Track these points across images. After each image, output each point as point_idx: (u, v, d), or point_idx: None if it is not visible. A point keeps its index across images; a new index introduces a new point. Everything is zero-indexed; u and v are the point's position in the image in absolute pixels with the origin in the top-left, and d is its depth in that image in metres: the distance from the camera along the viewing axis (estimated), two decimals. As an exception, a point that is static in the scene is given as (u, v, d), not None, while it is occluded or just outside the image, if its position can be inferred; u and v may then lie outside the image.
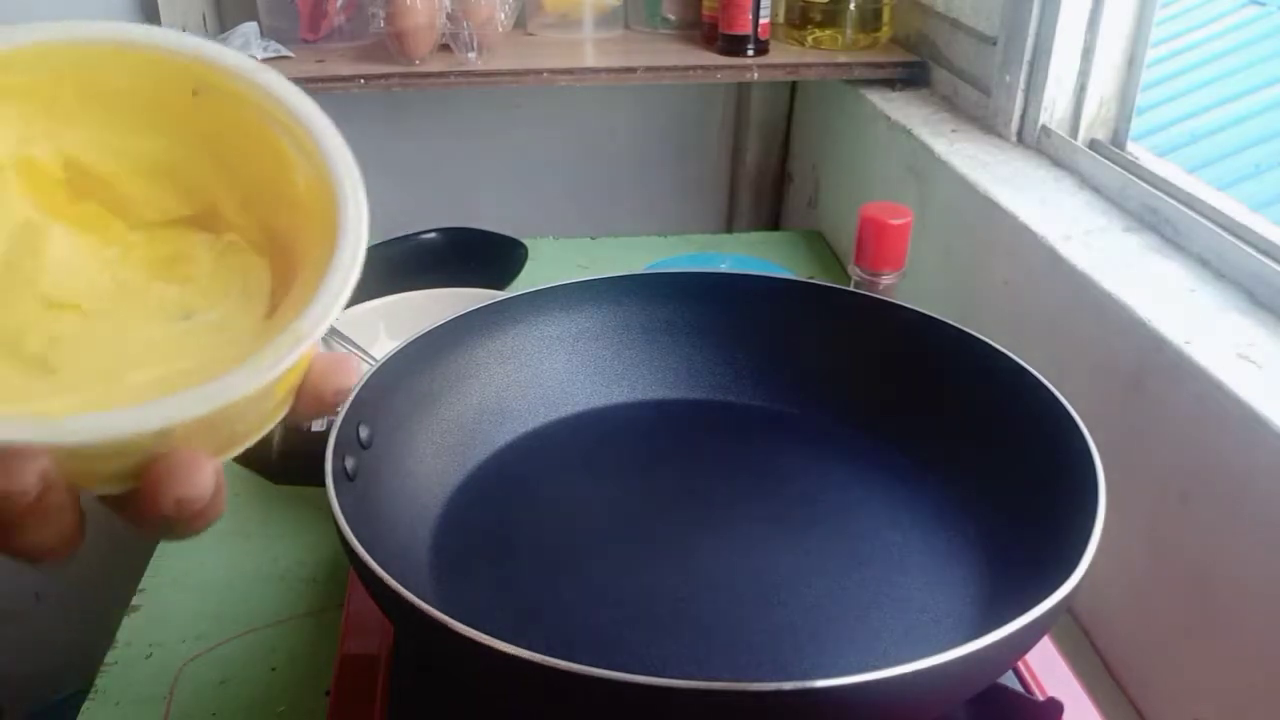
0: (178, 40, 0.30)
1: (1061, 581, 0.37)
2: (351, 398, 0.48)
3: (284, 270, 0.30)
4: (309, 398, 0.29)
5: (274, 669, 0.58)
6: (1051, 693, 0.46)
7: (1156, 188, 0.71)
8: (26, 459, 0.24)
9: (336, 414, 0.46)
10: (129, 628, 0.62)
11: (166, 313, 0.29)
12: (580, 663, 0.33)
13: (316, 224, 0.30)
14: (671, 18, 1.12)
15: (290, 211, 0.31)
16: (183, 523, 0.27)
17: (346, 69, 0.97)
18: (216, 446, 0.28)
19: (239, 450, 0.29)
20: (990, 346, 0.53)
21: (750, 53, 1.03)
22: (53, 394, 0.26)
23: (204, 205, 0.31)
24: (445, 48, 1.00)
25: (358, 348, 0.80)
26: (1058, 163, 0.81)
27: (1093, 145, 0.82)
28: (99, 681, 0.58)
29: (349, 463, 0.45)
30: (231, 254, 0.31)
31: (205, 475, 0.26)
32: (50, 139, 0.29)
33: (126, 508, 0.27)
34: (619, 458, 0.56)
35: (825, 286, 0.61)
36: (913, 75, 1.03)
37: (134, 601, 0.64)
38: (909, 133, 0.90)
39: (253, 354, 0.27)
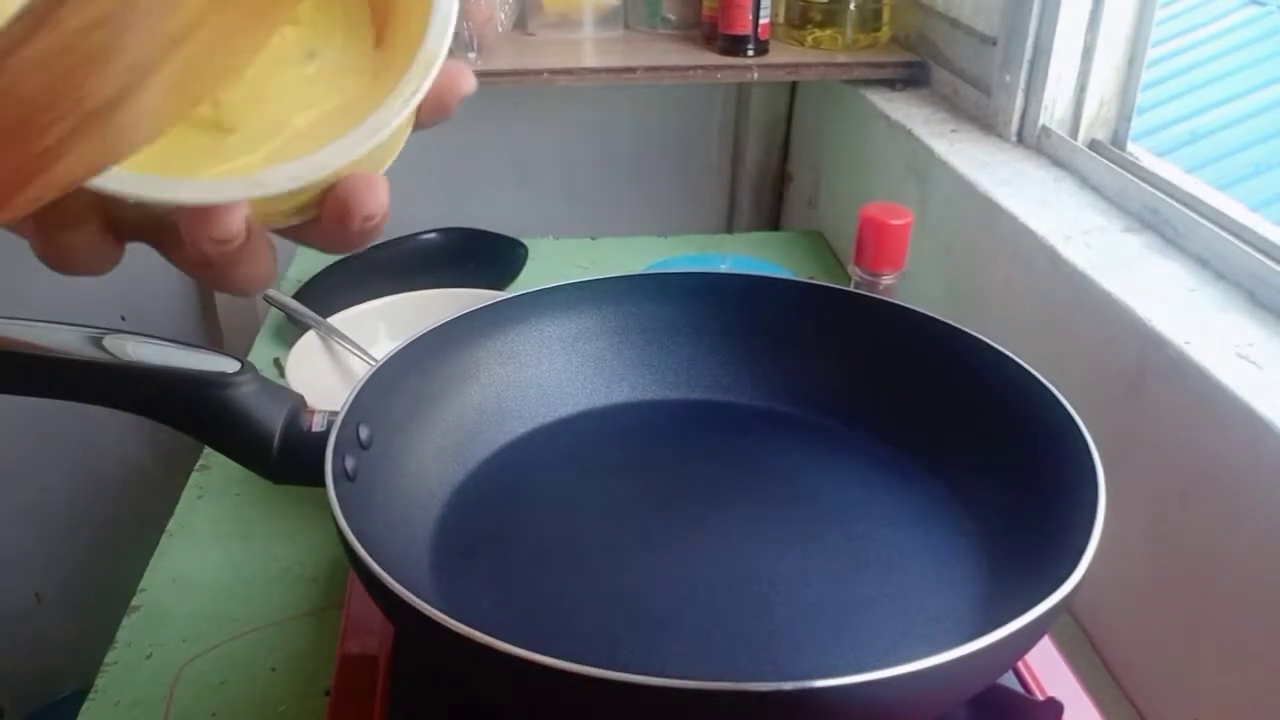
0: None
1: (1061, 581, 0.37)
2: (352, 398, 0.48)
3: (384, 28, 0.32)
4: (431, 107, 0.33)
5: (274, 669, 0.58)
6: (1051, 693, 0.46)
7: (1156, 188, 0.71)
8: (234, 211, 0.28)
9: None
10: (129, 628, 0.62)
11: (294, 58, 0.31)
12: (580, 663, 0.33)
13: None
14: (671, 18, 1.12)
15: None
16: (363, 235, 0.31)
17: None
18: (371, 167, 0.31)
19: (385, 167, 0.33)
20: (990, 346, 0.53)
21: (750, 53, 1.03)
22: (240, 152, 0.29)
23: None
24: (445, 48, 1.00)
25: (358, 348, 0.80)
26: (1058, 163, 0.81)
27: (1093, 145, 0.82)
28: (99, 681, 0.58)
29: (349, 463, 0.45)
30: (345, 53, 0.32)
31: (383, 190, 0.31)
32: None
33: (311, 234, 0.32)
34: (619, 458, 0.56)
35: (825, 286, 0.61)
36: (913, 75, 1.03)
37: (134, 601, 0.64)
38: (909, 133, 0.90)
39: (395, 84, 0.30)
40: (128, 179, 0.27)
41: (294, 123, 0.30)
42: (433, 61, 0.30)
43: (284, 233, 0.32)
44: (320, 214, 0.31)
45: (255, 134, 0.30)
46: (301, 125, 0.30)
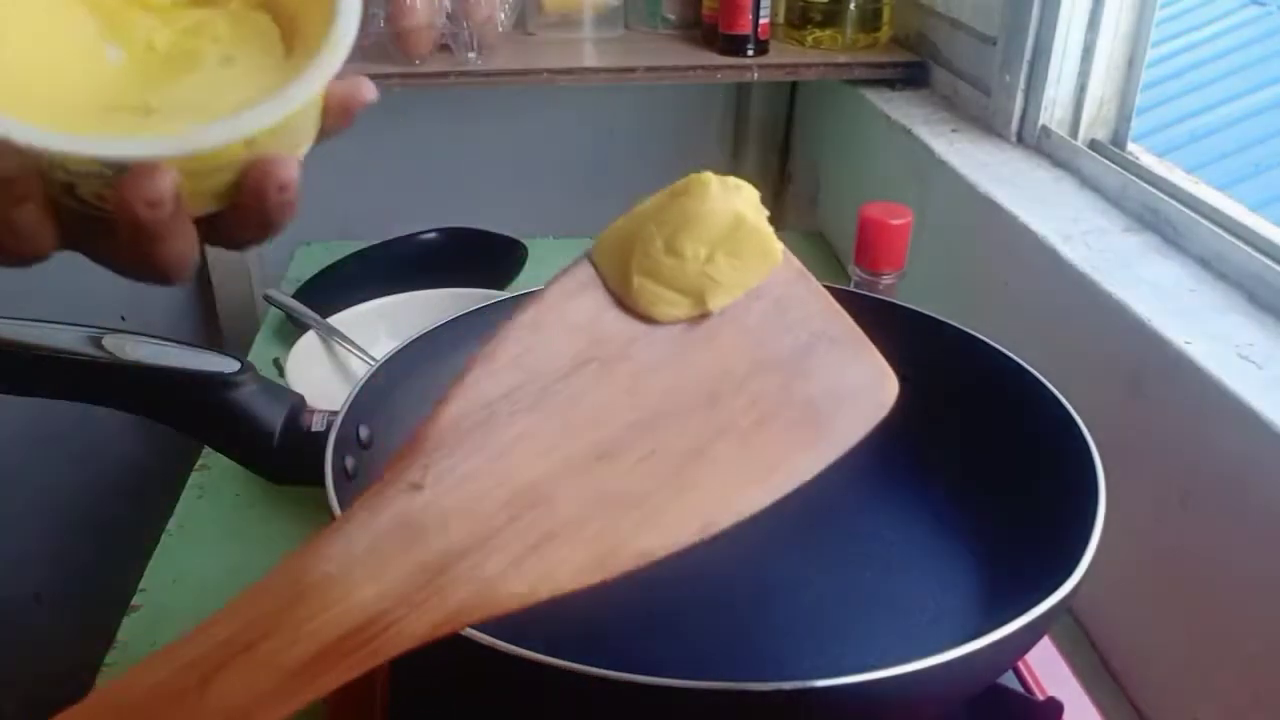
0: None
1: (1061, 581, 0.37)
2: (352, 398, 0.48)
3: (284, 22, 0.37)
4: (336, 111, 0.37)
5: (274, 669, 0.58)
6: (1051, 693, 0.46)
7: (1157, 188, 0.71)
8: (165, 175, 0.31)
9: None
10: (129, 628, 0.62)
11: (214, 63, 0.36)
12: (580, 663, 0.33)
13: None
14: (671, 18, 1.12)
15: None
16: (280, 209, 0.34)
17: (346, 69, 0.97)
18: (287, 149, 0.35)
19: (299, 153, 0.36)
20: (990, 346, 0.53)
21: (750, 53, 1.03)
22: (164, 123, 0.33)
23: None
24: (445, 48, 1.00)
25: (358, 348, 0.80)
26: (1058, 163, 0.81)
27: (1093, 145, 0.82)
28: (99, 681, 0.58)
29: (349, 462, 0.45)
30: (240, 16, 0.37)
31: (294, 164, 0.34)
32: None
33: (229, 219, 0.35)
34: (619, 458, 0.56)
35: (825, 286, 0.61)
36: (913, 75, 1.03)
37: (134, 601, 0.64)
38: (909, 133, 0.90)
39: (307, 68, 0.34)
40: (73, 139, 0.30)
41: (216, 106, 0.33)
42: (341, 47, 0.34)
43: (211, 239, 0.36)
44: (239, 197, 0.34)
45: (178, 111, 0.34)
46: (224, 107, 0.33)
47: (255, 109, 0.32)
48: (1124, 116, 0.82)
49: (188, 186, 0.32)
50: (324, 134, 0.37)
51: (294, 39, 0.36)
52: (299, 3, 0.37)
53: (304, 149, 0.37)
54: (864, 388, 0.33)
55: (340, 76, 0.36)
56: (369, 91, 0.37)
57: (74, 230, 0.34)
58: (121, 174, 0.31)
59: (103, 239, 0.35)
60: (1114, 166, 0.75)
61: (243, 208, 0.34)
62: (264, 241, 0.37)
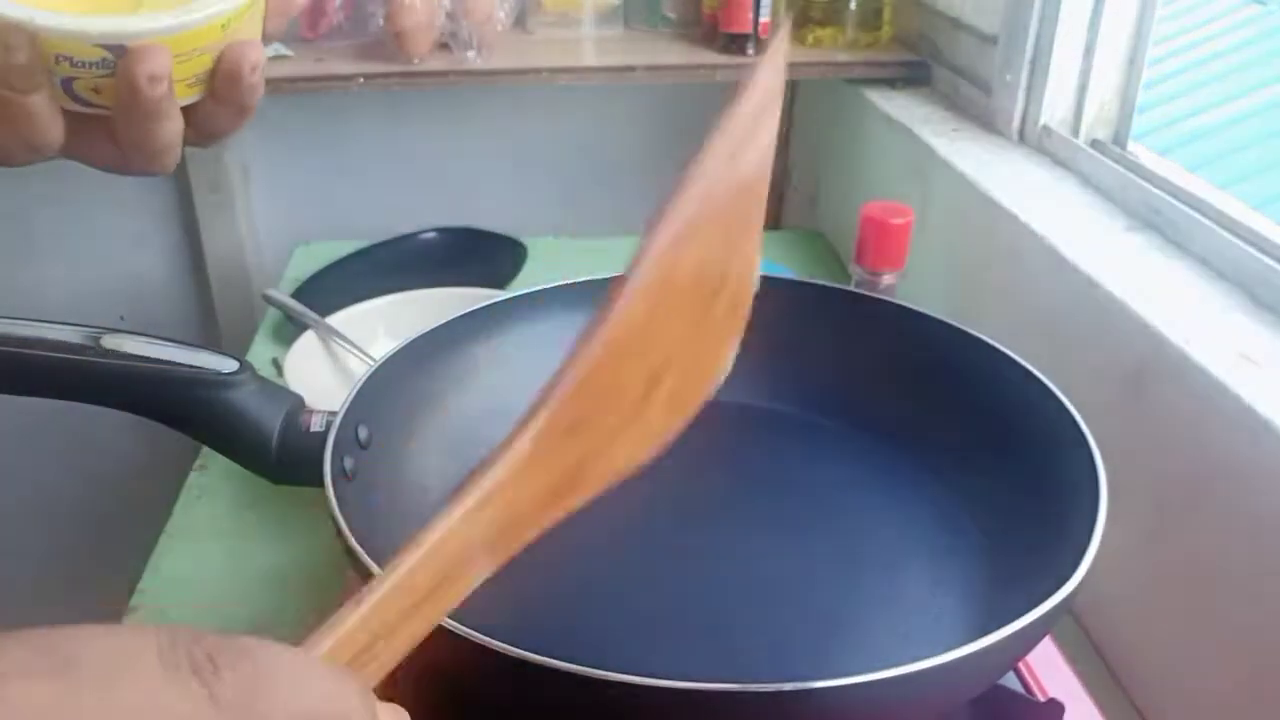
0: None
1: (1062, 582, 0.37)
2: (351, 398, 0.47)
3: None
4: (274, 12, 0.42)
5: (273, 669, 0.58)
6: (1053, 694, 0.46)
7: (1157, 187, 0.70)
8: (160, 49, 0.37)
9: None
10: (128, 628, 0.61)
11: None
12: (580, 663, 0.33)
13: None
14: (671, 16, 1.12)
15: None
16: (252, 90, 0.40)
17: (346, 68, 0.97)
18: (249, 35, 0.41)
19: (258, 38, 0.42)
20: (991, 346, 0.53)
21: (750, 52, 1.02)
22: (153, 12, 0.38)
23: None
24: (445, 47, 1.00)
25: (357, 348, 0.80)
26: (1059, 162, 0.81)
27: (1094, 145, 0.81)
28: (98, 682, 0.58)
29: (349, 463, 0.45)
30: None
31: (260, 47, 0.40)
32: None
33: (204, 109, 0.41)
34: (619, 458, 0.56)
35: (825, 286, 0.61)
36: (913, 74, 1.02)
37: (134, 601, 0.63)
38: (910, 132, 0.90)
39: None
40: (87, 19, 0.36)
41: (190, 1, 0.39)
42: None
43: (194, 134, 0.41)
44: (216, 82, 0.40)
45: (163, 6, 0.39)
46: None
47: None
48: (1125, 116, 0.82)
49: (174, 73, 0.38)
50: (267, 37, 0.43)
51: None
52: None
53: (257, 37, 0.42)
54: None
55: None
56: (298, 3, 0.44)
57: (72, 132, 0.39)
58: (121, 57, 0.36)
59: (98, 136, 0.40)
60: (1115, 166, 0.75)
61: (220, 92, 0.40)
62: (238, 129, 0.42)
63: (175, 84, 0.38)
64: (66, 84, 0.38)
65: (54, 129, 0.38)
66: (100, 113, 0.39)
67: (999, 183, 0.77)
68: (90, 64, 0.37)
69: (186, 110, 0.40)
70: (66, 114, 0.39)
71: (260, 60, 0.40)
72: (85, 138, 0.40)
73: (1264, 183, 1.25)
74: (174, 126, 0.39)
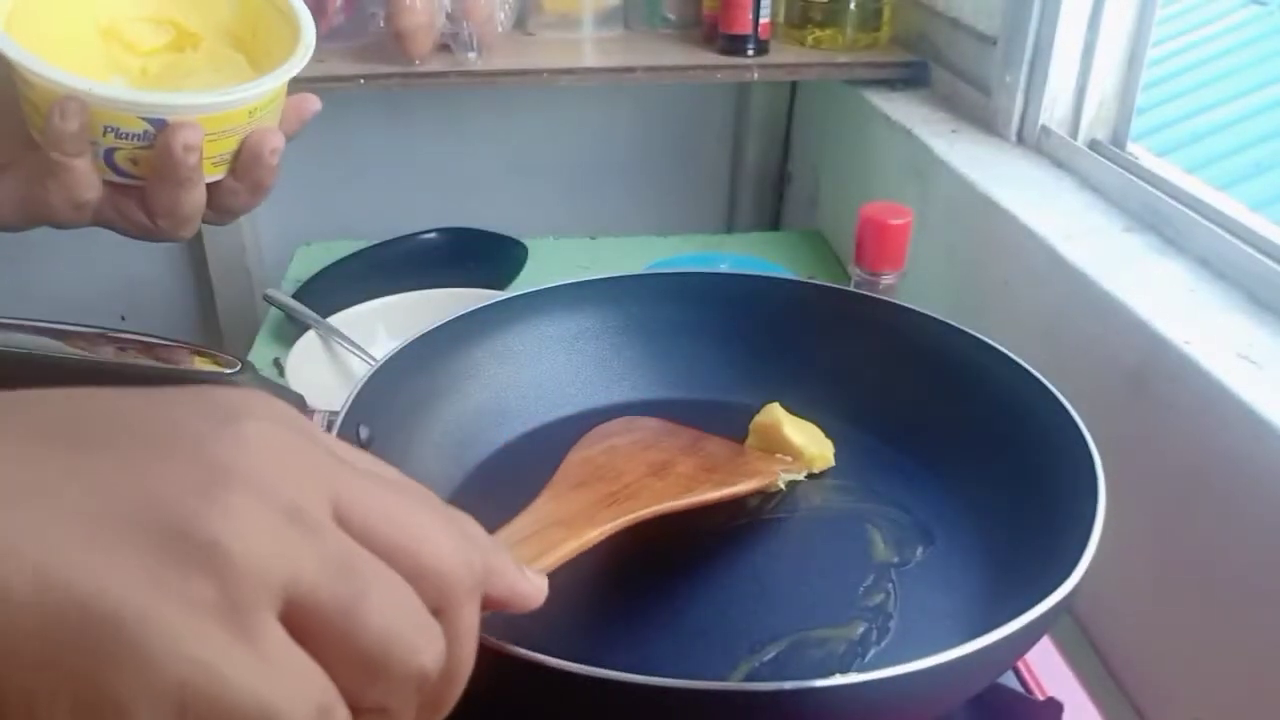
0: None
1: (1061, 581, 0.37)
2: (352, 398, 0.48)
3: (253, 58, 0.48)
4: (291, 114, 0.48)
5: (274, 669, 0.58)
6: (1051, 693, 0.46)
7: (1156, 188, 0.71)
8: (194, 126, 0.41)
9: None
10: (129, 628, 0.61)
11: (204, 74, 0.47)
12: (579, 663, 0.33)
13: (270, 21, 0.48)
14: (671, 17, 1.12)
15: (243, 19, 0.48)
16: (270, 172, 0.46)
17: (346, 69, 0.97)
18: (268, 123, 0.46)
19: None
20: (990, 346, 0.53)
21: (750, 53, 1.02)
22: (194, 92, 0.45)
23: (174, 33, 0.48)
24: (445, 48, 1.00)
25: (358, 348, 0.80)
26: (1058, 163, 0.81)
27: (1093, 145, 0.82)
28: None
29: (349, 463, 0.45)
30: (215, 52, 0.48)
31: (280, 135, 0.46)
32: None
33: (227, 193, 0.46)
34: (619, 458, 0.56)
35: (825, 286, 0.61)
36: (913, 75, 1.03)
37: (134, 601, 0.63)
38: (909, 133, 0.90)
39: (286, 60, 0.45)
40: (140, 91, 0.43)
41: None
42: (308, 46, 0.46)
43: (213, 209, 0.46)
44: (238, 163, 0.45)
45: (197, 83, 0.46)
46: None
47: (258, 81, 0.43)
48: (1124, 116, 0.82)
49: (204, 151, 0.42)
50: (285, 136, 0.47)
51: (263, 67, 0.46)
52: (265, 40, 0.48)
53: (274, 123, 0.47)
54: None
55: (292, 94, 0.47)
56: (314, 103, 0.50)
57: (107, 199, 0.44)
58: (161, 130, 0.41)
59: (128, 205, 0.44)
60: (1114, 166, 0.75)
61: (241, 171, 0.45)
62: (252, 207, 0.47)
63: (204, 160, 0.42)
64: (108, 155, 0.42)
65: (94, 190, 0.43)
66: (134, 183, 0.43)
67: (998, 183, 0.77)
68: (133, 135, 0.41)
69: (209, 187, 0.44)
70: (104, 182, 0.43)
71: (280, 146, 0.45)
72: (119, 206, 0.44)
73: (1263, 183, 1.25)
74: (199, 197, 0.44)
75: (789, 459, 0.54)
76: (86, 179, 0.42)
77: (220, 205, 0.46)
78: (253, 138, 0.44)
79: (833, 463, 0.55)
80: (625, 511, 0.42)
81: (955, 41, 0.97)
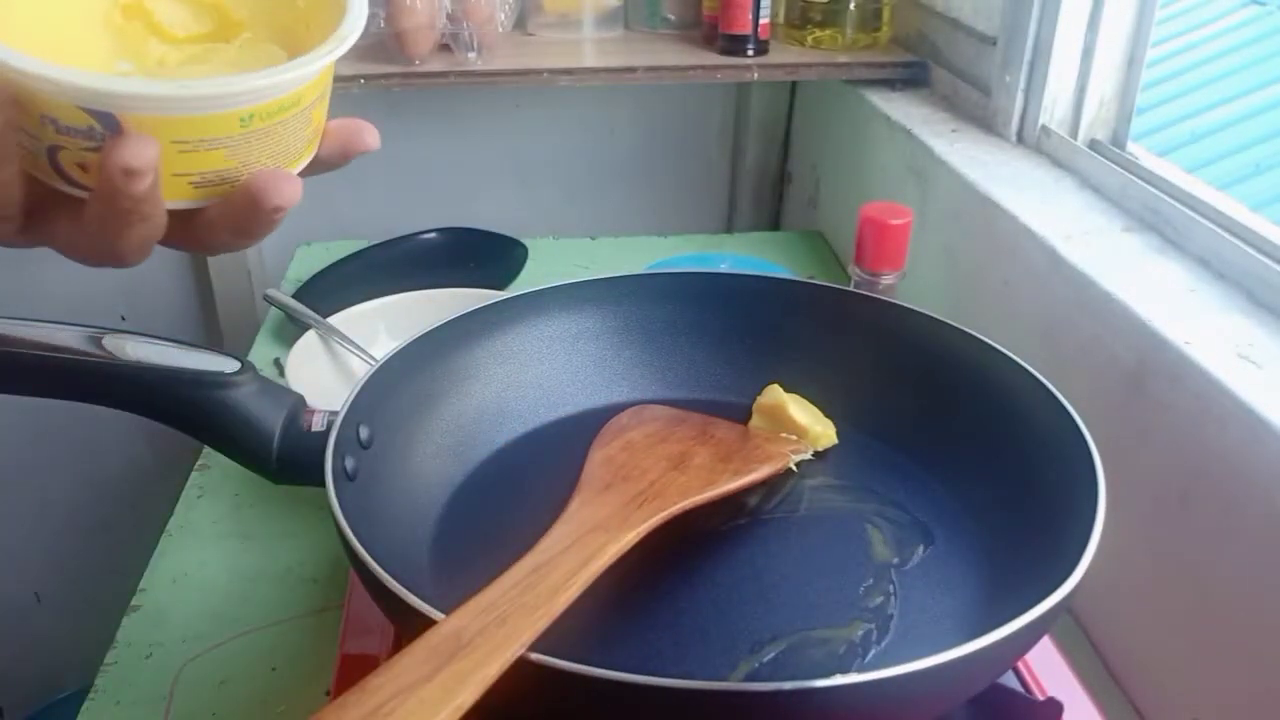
0: None
1: (1061, 581, 0.37)
2: (352, 398, 0.48)
3: (294, 50, 0.37)
4: (333, 143, 0.37)
5: (274, 669, 0.58)
6: (1051, 693, 0.46)
7: (1156, 188, 0.71)
8: (149, 141, 0.30)
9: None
10: (129, 628, 0.62)
11: (224, 68, 0.38)
12: (579, 663, 0.33)
13: (320, 12, 0.37)
14: (671, 18, 1.12)
15: (291, 10, 0.38)
16: (268, 223, 0.34)
17: (346, 69, 0.97)
18: (286, 157, 0.35)
19: (300, 166, 0.36)
20: (990, 346, 0.53)
21: (750, 53, 1.03)
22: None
23: (216, 21, 0.39)
24: (445, 48, 1.00)
25: (358, 348, 0.80)
26: (1058, 163, 0.81)
27: (1093, 145, 0.82)
28: (99, 681, 0.58)
29: (349, 463, 0.45)
30: (249, 45, 0.38)
31: (297, 185, 0.34)
32: None
33: (210, 220, 0.34)
34: (619, 458, 0.56)
35: (825, 286, 0.61)
36: (913, 75, 1.03)
37: (134, 601, 0.64)
38: (909, 133, 0.90)
39: (305, 57, 0.33)
40: (79, 73, 0.30)
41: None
42: (343, 39, 0.35)
43: (183, 239, 0.35)
44: (225, 200, 0.33)
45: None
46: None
47: (251, 75, 0.32)
48: (1124, 116, 0.82)
49: (173, 165, 0.31)
50: (321, 164, 0.37)
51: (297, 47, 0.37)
52: (309, 30, 0.37)
53: (297, 164, 0.36)
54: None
55: (347, 117, 0.37)
56: (372, 139, 0.38)
57: (39, 211, 0.34)
58: (113, 134, 0.30)
59: (66, 221, 0.34)
60: (1114, 166, 0.75)
61: (229, 211, 0.33)
62: (240, 249, 0.36)
63: (171, 180, 0.31)
64: (52, 154, 0.32)
65: (9, 204, 0.32)
66: (79, 192, 0.33)
67: (998, 183, 0.77)
68: (75, 131, 0.31)
69: (181, 214, 0.33)
70: (35, 192, 0.33)
71: (292, 202, 0.33)
72: (55, 218, 0.34)
73: (1263, 183, 1.25)
74: (146, 231, 0.32)
75: (794, 438, 0.55)
76: (6, 190, 0.32)
77: (193, 238, 0.34)
78: (257, 181, 0.32)
79: (836, 440, 0.56)
80: (655, 510, 0.43)
81: (955, 41, 0.97)
